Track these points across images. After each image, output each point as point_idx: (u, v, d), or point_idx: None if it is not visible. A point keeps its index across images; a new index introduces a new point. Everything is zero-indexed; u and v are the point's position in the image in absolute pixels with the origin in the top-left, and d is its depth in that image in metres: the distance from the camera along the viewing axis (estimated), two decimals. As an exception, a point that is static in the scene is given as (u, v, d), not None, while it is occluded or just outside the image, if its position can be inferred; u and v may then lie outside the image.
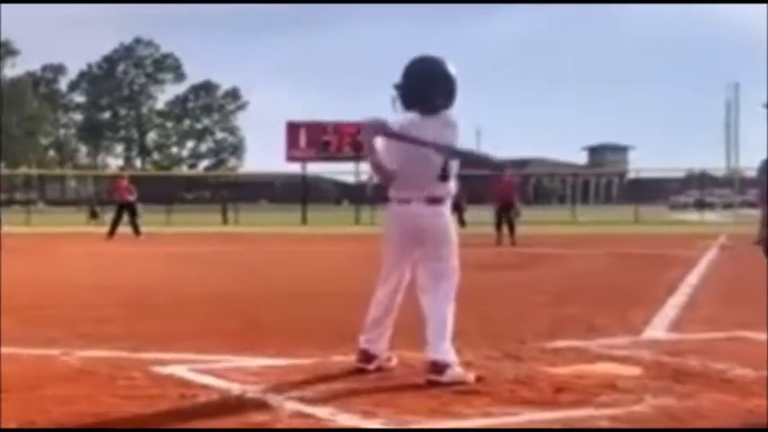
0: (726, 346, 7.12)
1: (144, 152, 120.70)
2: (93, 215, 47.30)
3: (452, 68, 5.89)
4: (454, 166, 5.82)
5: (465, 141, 5.99)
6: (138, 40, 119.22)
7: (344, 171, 57.75)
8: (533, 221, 34.80)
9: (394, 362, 5.96)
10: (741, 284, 12.05)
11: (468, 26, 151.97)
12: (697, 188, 73.06)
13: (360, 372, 5.84)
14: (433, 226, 5.80)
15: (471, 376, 5.62)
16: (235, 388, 5.42)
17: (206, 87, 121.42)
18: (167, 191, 59.25)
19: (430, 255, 5.81)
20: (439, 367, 5.58)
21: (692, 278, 12.92)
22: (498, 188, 24.73)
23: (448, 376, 5.53)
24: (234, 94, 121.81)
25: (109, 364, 6.13)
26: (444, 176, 5.80)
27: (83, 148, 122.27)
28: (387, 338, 5.97)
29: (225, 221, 47.56)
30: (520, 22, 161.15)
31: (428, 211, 5.80)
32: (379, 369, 5.87)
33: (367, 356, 5.91)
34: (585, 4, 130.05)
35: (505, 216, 23.98)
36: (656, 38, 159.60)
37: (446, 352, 5.62)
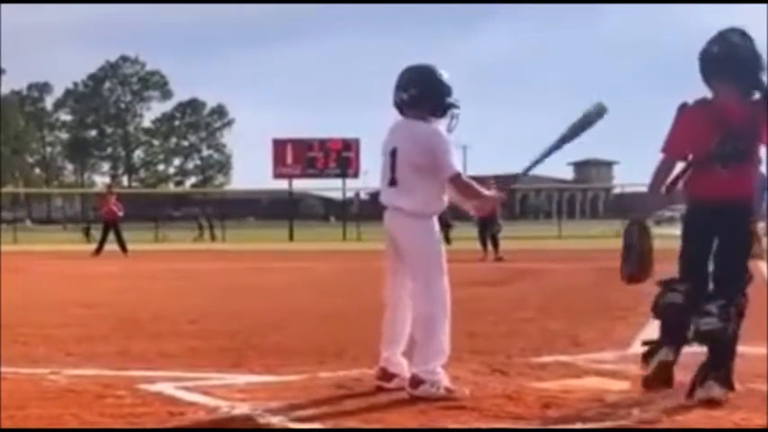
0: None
1: (130, 170, 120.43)
2: (87, 234, 46.90)
3: (431, 77, 5.86)
4: (409, 173, 5.70)
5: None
6: (124, 58, 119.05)
7: (331, 188, 57.76)
8: (519, 237, 34.84)
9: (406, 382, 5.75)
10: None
11: (454, 41, 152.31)
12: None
13: (348, 388, 5.83)
14: (402, 235, 5.76)
15: (467, 391, 5.62)
16: (222, 405, 5.41)
17: (192, 105, 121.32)
18: (154, 208, 59.14)
19: (406, 266, 5.76)
20: (413, 382, 5.60)
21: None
22: None
23: (420, 391, 5.53)
24: (220, 112, 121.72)
25: (96, 383, 6.11)
26: (392, 182, 5.78)
27: (69, 167, 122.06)
28: (401, 355, 5.86)
29: (204, 236, 47.33)
30: (504, 37, 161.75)
31: (396, 215, 5.79)
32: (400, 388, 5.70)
33: (385, 375, 5.83)
34: (571, 19, 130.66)
35: (489, 231, 24.00)
36: (638, 51, 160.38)
37: (421, 367, 5.59)
